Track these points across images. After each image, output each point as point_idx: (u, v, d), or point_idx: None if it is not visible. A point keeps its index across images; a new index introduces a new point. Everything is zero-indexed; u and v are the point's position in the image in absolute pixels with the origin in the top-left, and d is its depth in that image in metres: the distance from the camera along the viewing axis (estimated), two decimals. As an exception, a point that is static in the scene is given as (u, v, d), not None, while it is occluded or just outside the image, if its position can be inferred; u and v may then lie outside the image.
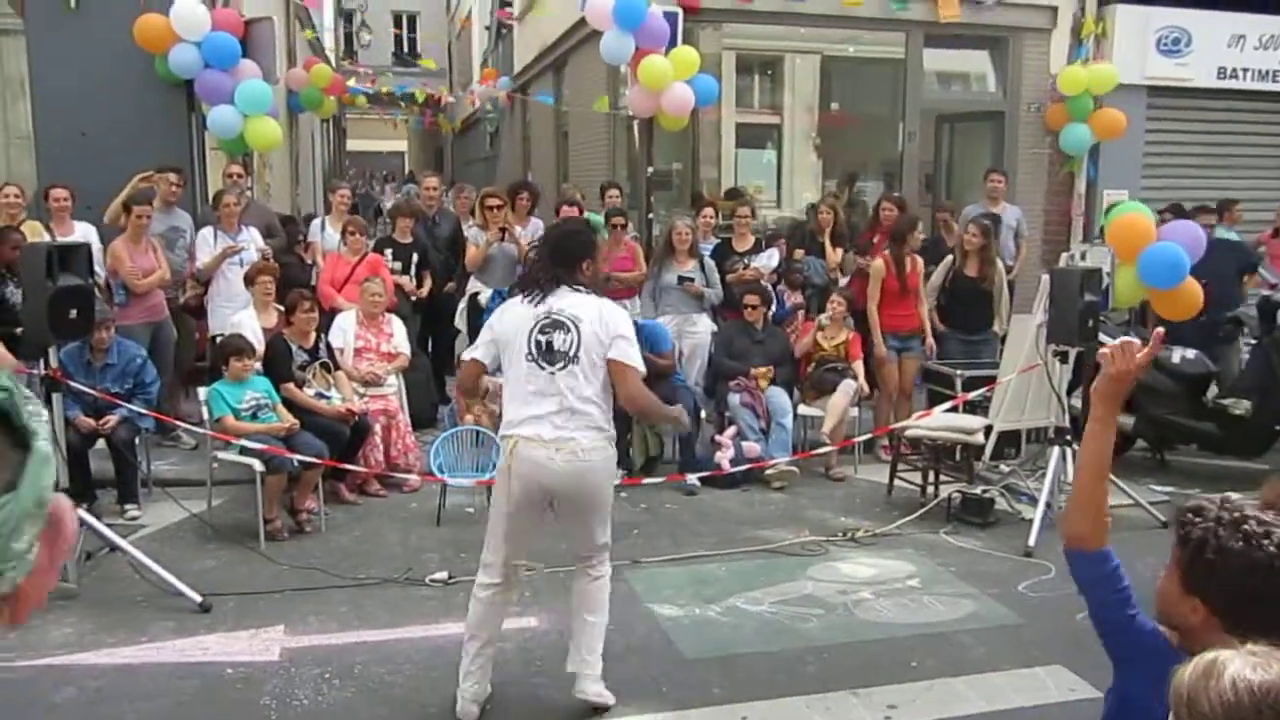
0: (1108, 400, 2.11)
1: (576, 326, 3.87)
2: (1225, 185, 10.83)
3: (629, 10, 8.37)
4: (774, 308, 7.97)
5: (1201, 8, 10.87)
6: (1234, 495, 1.93)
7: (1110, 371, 2.09)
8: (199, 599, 4.97)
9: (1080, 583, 2.10)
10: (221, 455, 6.14)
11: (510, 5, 17.35)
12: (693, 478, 7.00)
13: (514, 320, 3.97)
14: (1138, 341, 2.11)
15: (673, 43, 8.91)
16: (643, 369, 4.03)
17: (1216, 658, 1.42)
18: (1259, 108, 11.46)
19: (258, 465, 5.86)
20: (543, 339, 3.88)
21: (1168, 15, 10.85)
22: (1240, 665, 1.39)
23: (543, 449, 3.84)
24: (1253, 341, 7.88)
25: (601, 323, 3.89)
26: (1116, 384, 2.09)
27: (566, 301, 3.92)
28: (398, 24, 33.20)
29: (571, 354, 3.86)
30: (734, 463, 7.06)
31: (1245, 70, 11.20)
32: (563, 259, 3.99)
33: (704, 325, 8.07)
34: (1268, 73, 11.27)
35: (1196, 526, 1.84)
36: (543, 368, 3.87)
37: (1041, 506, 6.09)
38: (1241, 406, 7.20)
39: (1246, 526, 1.79)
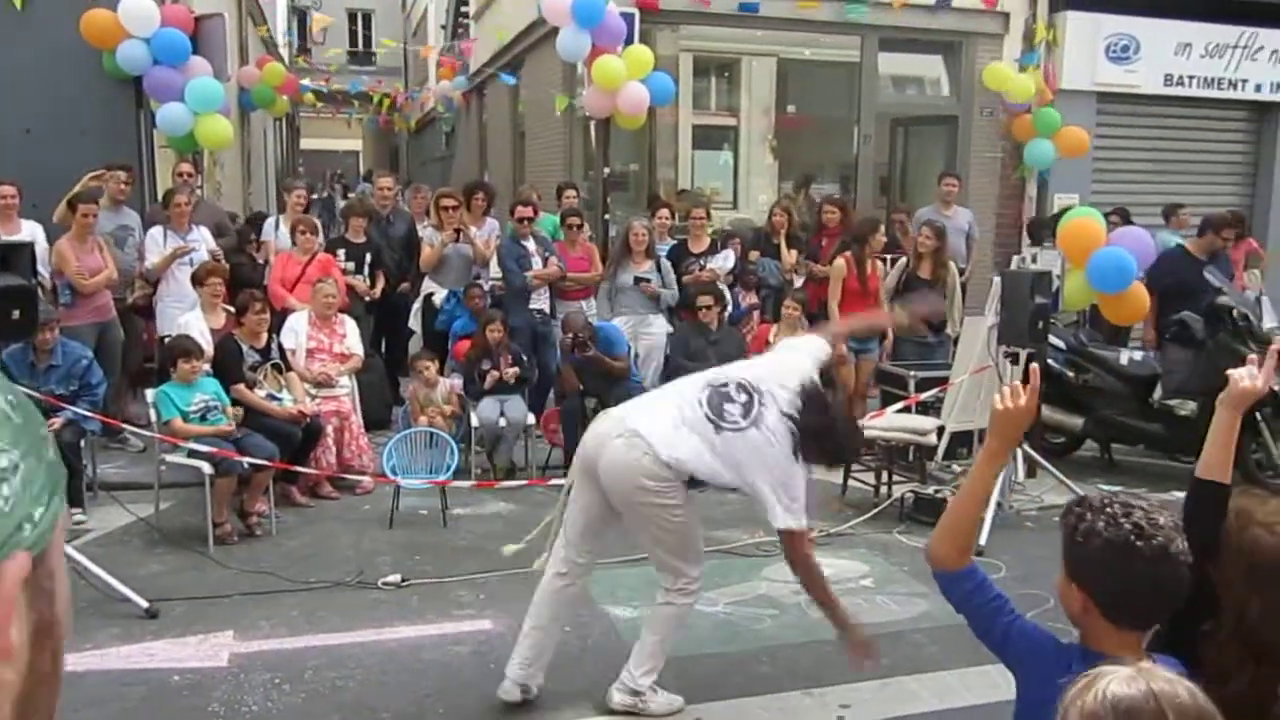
0: (1003, 437, 2.17)
1: (753, 428, 3.73)
2: (1172, 190, 11.02)
3: (588, 7, 8.36)
4: (729, 309, 7.99)
5: (1150, 15, 11.06)
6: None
7: (1000, 409, 2.14)
8: (145, 604, 4.88)
9: (953, 602, 2.13)
10: (169, 458, 6.05)
11: (466, 22, 17.19)
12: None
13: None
14: (1021, 386, 2.18)
15: (629, 42, 8.91)
16: (801, 524, 3.78)
17: (1100, 672, 1.47)
18: (1205, 114, 11.70)
19: (206, 468, 5.76)
20: (731, 396, 3.76)
21: (1117, 23, 11.02)
22: (1112, 679, 1.44)
23: (614, 426, 3.82)
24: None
25: (757, 456, 3.72)
26: (1010, 423, 2.14)
27: (774, 418, 3.75)
28: (353, 21, 32.90)
29: (725, 425, 3.73)
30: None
31: (1191, 77, 11.41)
32: (814, 434, 3.78)
33: (660, 326, 8.08)
34: (1213, 80, 11.49)
35: (1073, 513, 1.91)
36: (702, 407, 3.77)
37: (992, 506, 6.14)
38: (1187, 408, 7.33)
39: (1110, 509, 1.85)
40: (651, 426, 3.77)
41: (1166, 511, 1.89)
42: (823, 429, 3.81)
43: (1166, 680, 1.45)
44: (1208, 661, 2.06)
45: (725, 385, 3.81)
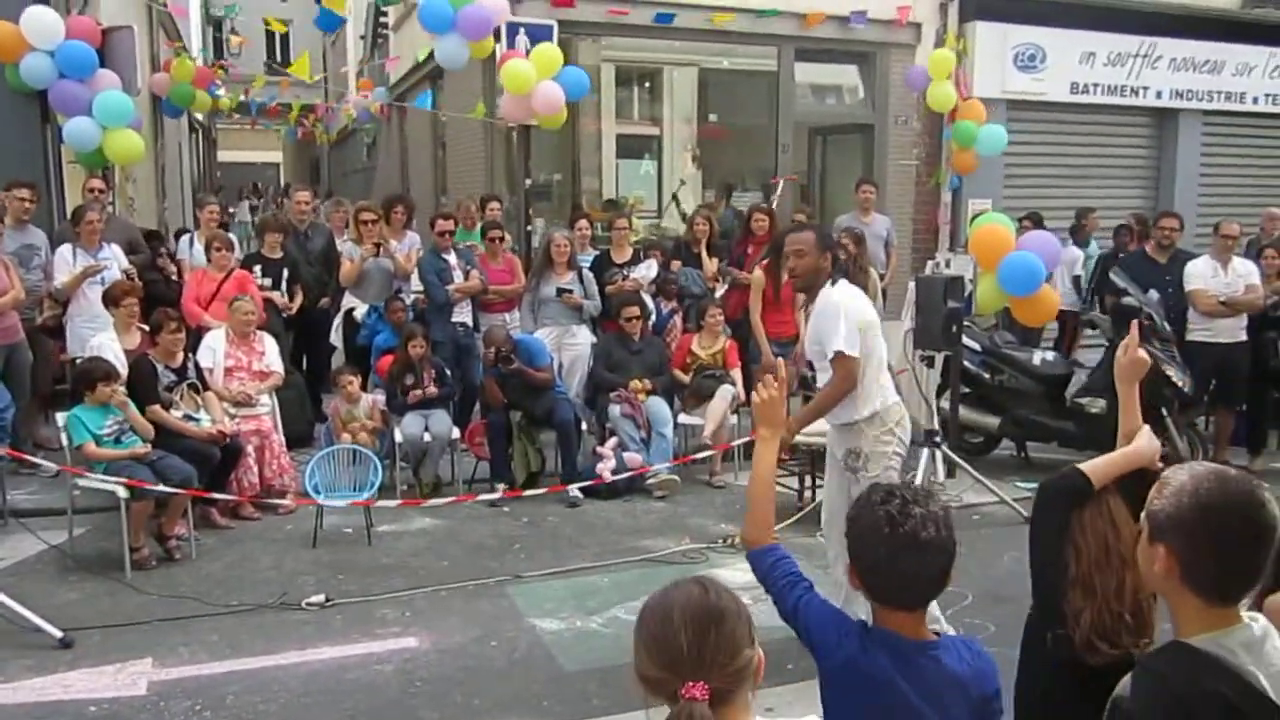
0: (766, 423, 2.48)
1: None
2: (1081, 195, 11.38)
3: (434, 15, 8.44)
4: (652, 318, 8.05)
5: (1055, 26, 11.41)
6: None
7: (758, 400, 2.49)
8: (59, 634, 4.75)
9: (758, 577, 2.31)
10: (83, 482, 5.89)
11: (385, 33, 17.03)
12: (574, 489, 7.00)
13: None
14: (776, 375, 2.52)
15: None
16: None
17: None
18: (1109, 120, 12.10)
19: (122, 491, 5.63)
20: None
21: (1024, 33, 11.35)
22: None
23: None
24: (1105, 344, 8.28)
25: None
26: (770, 410, 2.47)
27: None
28: (269, 33, 32.31)
29: None
30: (615, 473, 7.08)
31: (1096, 85, 11.80)
32: None
33: (583, 337, 8.10)
34: (1116, 87, 11.89)
35: (857, 500, 2.09)
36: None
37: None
38: (1097, 405, 7.56)
39: (874, 496, 2.03)
40: None
41: (933, 501, 2.02)
42: None
43: (692, 582, 1.69)
44: (1066, 610, 2.36)
45: None
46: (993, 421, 7.97)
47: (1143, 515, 1.82)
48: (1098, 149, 12.10)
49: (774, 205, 9.81)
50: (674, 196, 12.24)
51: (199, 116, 19.19)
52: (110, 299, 6.85)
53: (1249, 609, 1.81)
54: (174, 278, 8.29)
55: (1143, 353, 2.64)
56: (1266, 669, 1.69)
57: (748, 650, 1.62)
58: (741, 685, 1.62)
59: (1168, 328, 7.58)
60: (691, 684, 1.55)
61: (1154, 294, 7.82)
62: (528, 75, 8.48)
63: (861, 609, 2.18)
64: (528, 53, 8.71)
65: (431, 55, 11.00)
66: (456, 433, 7.32)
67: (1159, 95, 12.10)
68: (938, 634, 2.06)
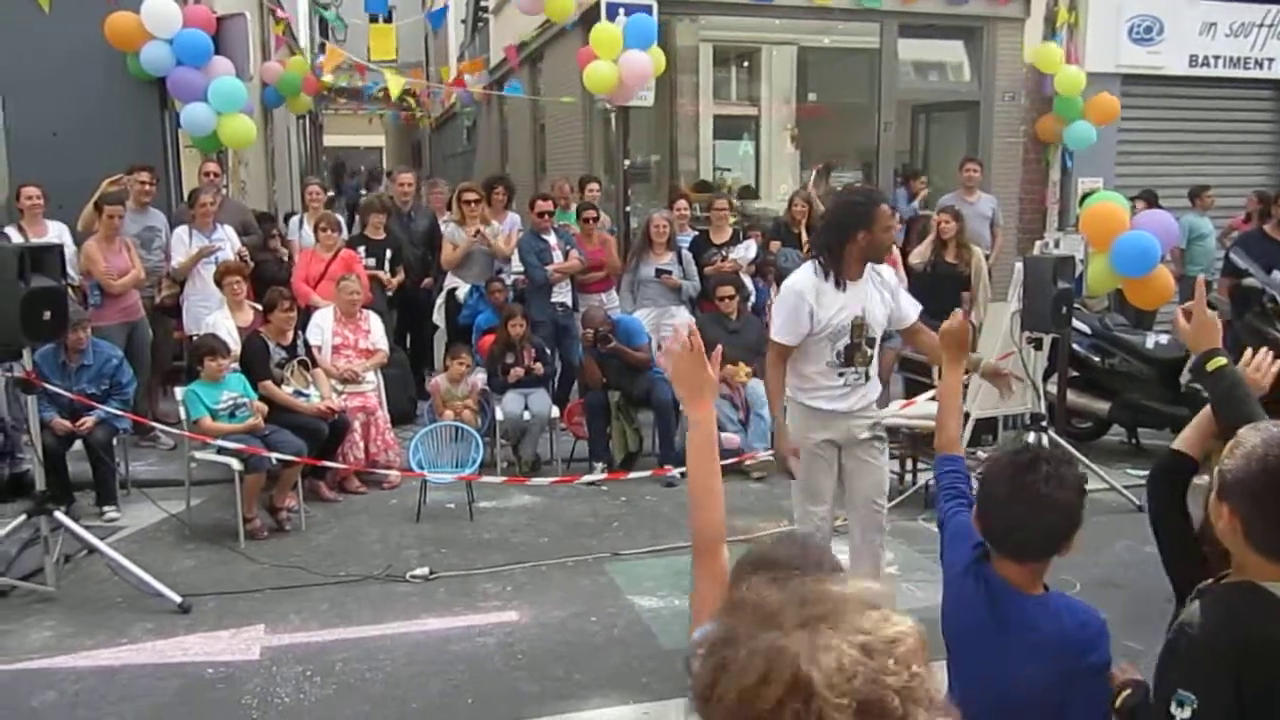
0: (954, 347, 2.80)
1: None
2: (1198, 172, 10.92)
3: None
4: (751, 298, 8.00)
5: (1173, -5, 10.95)
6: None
7: (949, 327, 2.80)
8: (178, 599, 4.96)
9: (936, 474, 2.58)
10: (199, 455, 6.12)
11: (486, 17, 17.18)
12: (674, 471, 7.01)
13: None
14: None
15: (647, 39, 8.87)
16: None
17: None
18: (1230, 94, 11.56)
19: (236, 464, 5.84)
20: None
21: (1140, 4, 10.92)
22: None
23: None
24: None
25: None
26: (956, 335, 2.79)
27: None
28: (373, 20, 32.86)
29: None
30: (713, 455, 7.05)
31: (1217, 57, 11.28)
32: None
33: (683, 318, 8.06)
34: (1239, 59, 11.35)
35: (994, 453, 2.26)
36: None
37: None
38: (1214, 391, 7.26)
39: (1010, 448, 2.19)
40: None
41: (1068, 466, 2.08)
42: None
43: None
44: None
45: None
46: (1102, 406, 7.72)
47: (1215, 470, 1.85)
48: (1218, 124, 11.57)
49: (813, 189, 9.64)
50: (726, 182, 12.18)
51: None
52: (215, 279, 7.12)
53: None
54: (285, 259, 8.52)
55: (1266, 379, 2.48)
56: None
57: None
58: None
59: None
60: None
61: (1277, 275, 7.47)
62: (608, 73, 8.51)
63: None
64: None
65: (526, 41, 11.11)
66: (556, 412, 7.38)
67: (1285, 68, 11.53)
68: (1047, 587, 2.13)
